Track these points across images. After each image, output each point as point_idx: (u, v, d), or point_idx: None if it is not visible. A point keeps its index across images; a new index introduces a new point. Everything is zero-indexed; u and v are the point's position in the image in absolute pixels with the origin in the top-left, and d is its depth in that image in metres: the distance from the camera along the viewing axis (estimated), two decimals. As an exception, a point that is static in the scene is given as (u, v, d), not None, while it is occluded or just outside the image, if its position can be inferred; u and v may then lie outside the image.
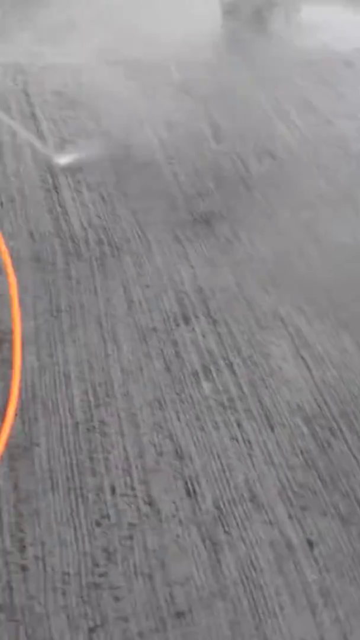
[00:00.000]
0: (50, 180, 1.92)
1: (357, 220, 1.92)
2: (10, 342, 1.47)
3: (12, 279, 1.45)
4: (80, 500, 1.23)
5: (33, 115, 2.15)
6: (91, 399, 1.41)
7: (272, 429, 1.39)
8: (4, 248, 1.51)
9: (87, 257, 1.72)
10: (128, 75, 2.47)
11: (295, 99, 2.43)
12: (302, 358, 1.55)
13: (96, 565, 1.15)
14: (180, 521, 1.22)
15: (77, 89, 2.32)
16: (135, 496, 1.26)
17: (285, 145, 2.19)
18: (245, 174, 2.11)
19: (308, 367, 1.52)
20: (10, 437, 1.30)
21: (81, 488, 1.25)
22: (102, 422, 1.37)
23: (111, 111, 2.24)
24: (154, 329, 1.58)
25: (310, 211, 1.95)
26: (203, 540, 1.19)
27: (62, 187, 1.91)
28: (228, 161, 2.15)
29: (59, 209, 1.84)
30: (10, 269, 1.47)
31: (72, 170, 1.97)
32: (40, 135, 2.07)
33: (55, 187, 1.90)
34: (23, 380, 1.40)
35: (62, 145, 2.06)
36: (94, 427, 1.36)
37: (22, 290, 1.59)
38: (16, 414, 1.34)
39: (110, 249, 1.76)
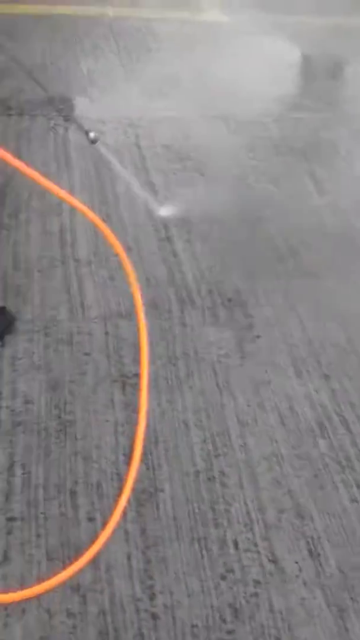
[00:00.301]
0: (163, 231, 2.00)
1: None
2: (133, 386, 1.52)
3: (142, 325, 1.51)
4: (205, 551, 1.24)
5: (145, 168, 2.26)
6: (210, 448, 1.43)
7: (392, 491, 1.38)
8: (137, 294, 1.58)
9: (199, 306, 1.77)
10: (230, 129, 2.57)
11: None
12: None
13: (223, 621, 1.15)
14: (304, 582, 1.21)
15: (184, 143, 2.42)
16: (258, 552, 1.26)
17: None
18: (348, 228, 2.14)
19: None
20: (136, 481, 1.33)
21: (205, 539, 1.26)
22: (222, 472, 1.38)
23: (217, 164, 2.33)
24: (268, 382, 1.60)
25: None
26: (328, 606, 1.18)
27: (175, 237, 1.99)
28: (330, 215, 2.19)
29: (172, 258, 1.91)
30: (141, 315, 1.54)
31: (183, 222, 2.05)
32: (151, 187, 2.17)
33: (168, 238, 1.98)
34: (146, 424, 1.44)
35: (170, 197, 2.15)
36: (214, 477, 1.38)
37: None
38: (141, 459, 1.38)
39: (220, 298, 1.81)
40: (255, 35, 3.37)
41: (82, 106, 2.48)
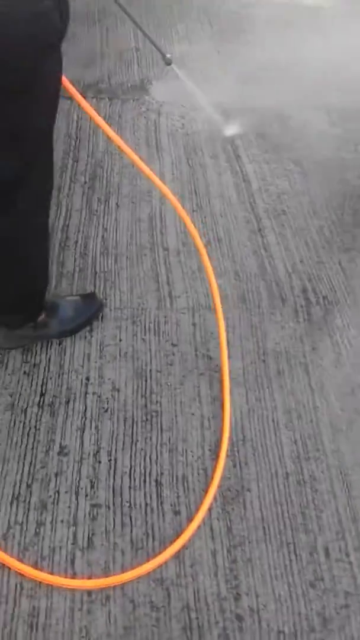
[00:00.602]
0: (255, 222, 1.98)
1: None
2: (220, 380, 1.52)
3: (221, 318, 1.53)
4: (293, 556, 1.22)
5: (238, 157, 2.25)
6: (300, 450, 1.40)
7: None
8: (215, 287, 1.58)
9: (291, 303, 1.74)
10: (330, 121, 2.51)
11: None
12: None
13: (312, 630, 1.13)
14: None
15: (280, 132, 2.39)
16: (350, 563, 1.22)
17: None
18: None
19: None
20: (223, 477, 1.33)
21: (294, 544, 1.24)
22: (312, 477, 1.36)
23: (315, 157, 2.28)
24: (356, 381, 1.56)
25: None
26: None
27: (266, 229, 1.96)
28: None
29: (263, 252, 1.89)
30: (219, 309, 1.55)
31: (276, 213, 2.02)
32: (245, 177, 2.16)
33: (260, 230, 1.96)
34: (233, 420, 1.44)
35: (264, 187, 2.13)
36: (304, 480, 1.35)
37: (230, 329, 1.64)
38: (227, 455, 1.37)
39: (315, 296, 1.77)
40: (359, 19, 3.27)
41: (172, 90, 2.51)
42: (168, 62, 2.30)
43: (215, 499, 1.29)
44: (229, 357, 1.57)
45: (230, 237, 1.92)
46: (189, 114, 2.42)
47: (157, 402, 1.46)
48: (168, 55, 2.28)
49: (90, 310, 1.63)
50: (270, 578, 1.19)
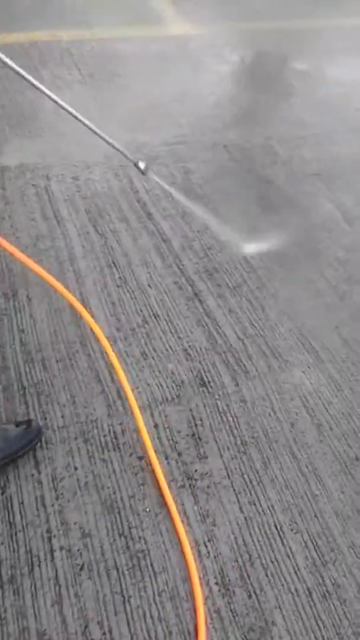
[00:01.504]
0: (188, 287, 1.88)
1: None
2: (204, 490, 1.38)
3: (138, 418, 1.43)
4: None
5: (149, 215, 2.15)
6: (314, 555, 1.30)
7: None
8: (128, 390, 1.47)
9: (254, 374, 1.66)
10: (231, 157, 2.49)
11: None
12: None
13: None
14: None
15: (184, 176, 2.33)
16: None
17: None
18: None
19: None
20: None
21: None
22: (336, 584, 1.26)
23: (229, 199, 2.24)
24: (357, 458, 1.49)
25: None
26: None
27: (203, 292, 1.87)
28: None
29: (207, 320, 1.79)
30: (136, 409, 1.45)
31: (208, 272, 1.94)
32: (163, 237, 2.06)
33: (196, 295, 1.86)
34: (233, 538, 1.31)
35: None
36: (328, 592, 1.25)
37: (197, 422, 1.52)
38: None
39: (276, 361, 1.70)
40: (227, 47, 3.33)
41: (61, 148, 2.37)
42: (143, 172, 1.75)
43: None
44: (205, 457, 1.45)
45: (167, 310, 1.80)
46: (82, 173, 2.29)
47: (139, 537, 1.29)
48: (141, 164, 1.73)
49: (24, 439, 1.42)
50: None
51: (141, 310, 1.80)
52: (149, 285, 1.88)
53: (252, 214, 2.19)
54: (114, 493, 1.36)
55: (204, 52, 3.23)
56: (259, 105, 2.87)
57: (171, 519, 1.31)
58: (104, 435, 1.48)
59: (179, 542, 1.28)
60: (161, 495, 1.36)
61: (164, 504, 1.34)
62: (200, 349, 1.71)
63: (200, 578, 1.24)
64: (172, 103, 2.77)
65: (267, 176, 2.39)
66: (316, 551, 1.30)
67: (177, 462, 1.44)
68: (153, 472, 1.40)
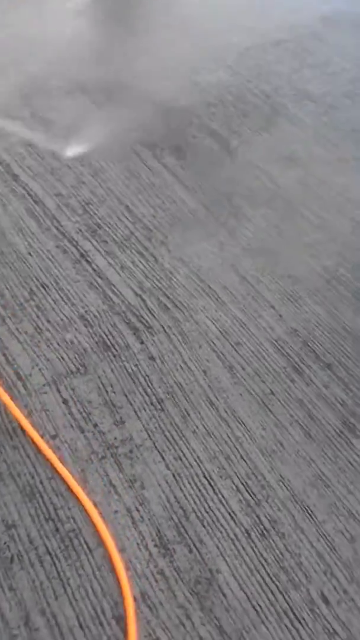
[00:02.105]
0: (73, 250, 1.84)
1: None
2: (128, 455, 1.40)
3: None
4: (297, 624, 1.19)
5: (15, 177, 2.05)
6: (247, 497, 1.36)
7: None
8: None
9: (158, 329, 1.67)
10: (93, 99, 2.42)
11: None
12: None
13: None
14: None
15: (46, 128, 2.24)
16: (352, 600, 1.23)
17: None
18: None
19: None
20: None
21: (291, 609, 1.21)
22: (272, 520, 1.33)
23: (102, 148, 2.18)
24: (272, 393, 1.56)
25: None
26: None
27: (90, 253, 1.84)
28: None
29: (99, 280, 1.77)
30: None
31: (90, 229, 1.90)
32: (35, 198, 1.98)
33: (83, 256, 1.83)
34: (164, 497, 1.34)
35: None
36: (266, 530, 1.32)
37: (106, 390, 1.51)
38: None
39: (178, 310, 1.72)
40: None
41: None
42: None
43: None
44: (122, 422, 1.46)
45: (55, 277, 1.76)
46: None
47: (68, 517, 1.29)
48: None
49: None
50: (288, 661, 1.15)
51: (26, 283, 1.74)
52: (30, 254, 1.82)
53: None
54: (32, 478, 1.34)
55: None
56: (116, 40, 2.80)
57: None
58: (10, 422, 1.44)
59: (89, 517, 1.29)
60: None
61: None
62: (98, 313, 1.69)
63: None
64: (16, 49, 2.63)
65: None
66: (248, 492, 1.37)
67: (94, 434, 1.44)
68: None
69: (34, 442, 1.40)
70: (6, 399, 1.42)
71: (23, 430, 1.42)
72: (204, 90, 2.54)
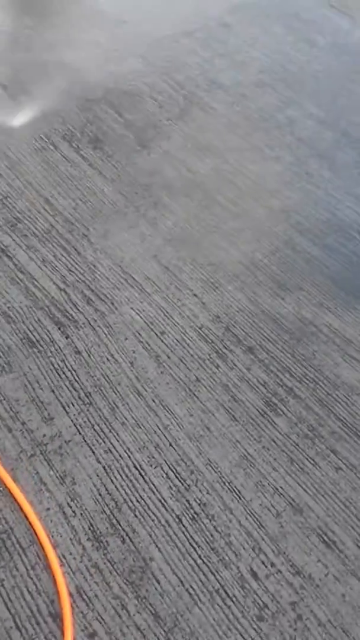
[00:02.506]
0: (-7, 244, 1.76)
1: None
2: (57, 452, 1.36)
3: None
4: (229, 602, 1.20)
5: None
6: (177, 483, 1.36)
7: (365, 443, 1.46)
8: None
9: (83, 322, 1.62)
10: (9, 94, 2.31)
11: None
12: (355, 359, 1.62)
13: (284, 663, 1.15)
14: (335, 578, 1.25)
15: None
16: (279, 572, 1.25)
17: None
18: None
19: (364, 366, 1.60)
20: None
21: (222, 587, 1.22)
22: (202, 504, 1.33)
23: (13, 143, 2.09)
24: (197, 379, 1.55)
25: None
26: (368, 588, 1.24)
27: (10, 247, 1.76)
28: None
29: (20, 275, 1.70)
30: None
31: (9, 223, 1.82)
32: None
33: (3, 250, 1.75)
34: (95, 491, 1.31)
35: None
36: (196, 513, 1.32)
37: (33, 387, 1.46)
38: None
39: (102, 304, 1.67)
40: None
41: None
42: None
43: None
44: (51, 418, 1.42)
45: (-25, 274, 1.69)
46: None
47: (-1, 519, 1.25)
48: None
49: None
50: (221, 637, 1.16)
51: None
52: None
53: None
54: None
55: None
56: (29, 32, 2.68)
57: (10, 494, 1.28)
58: None
59: (23, 514, 1.26)
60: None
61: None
62: (21, 308, 1.63)
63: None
64: None
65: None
66: (178, 478, 1.36)
67: (22, 432, 1.39)
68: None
69: None
70: None
71: None
72: (118, 80, 2.48)
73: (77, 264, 1.77)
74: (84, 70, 2.49)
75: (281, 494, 1.37)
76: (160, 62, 2.61)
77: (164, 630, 1.15)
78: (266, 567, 1.26)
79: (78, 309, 1.65)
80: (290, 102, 2.50)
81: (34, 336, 1.57)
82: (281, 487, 1.38)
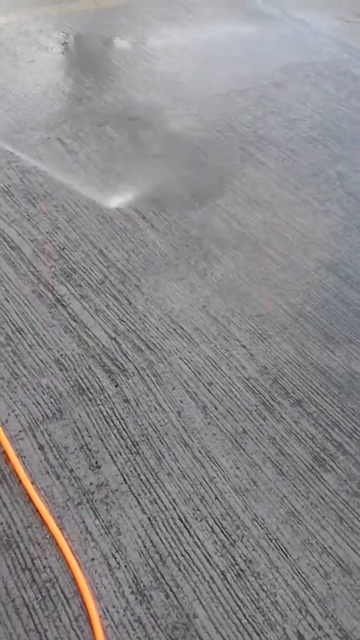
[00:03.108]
0: (48, 294, 1.81)
1: None
2: (103, 501, 1.36)
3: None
4: (275, 665, 1.16)
5: None
6: (222, 537, 1.33)
7: None
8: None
9: (133, 371, 1.64)
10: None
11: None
12: None
13: None
14: (387, 646, 1.19)
15: (15, 175, 2.23)
16: (327, 635, 1.20)
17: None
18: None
19: None
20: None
21: (268, 650, 1.18)
22: (247, 560, 1.30)
23: (75, 199, 2.18)
24: (244, 431, 1.54)
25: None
26: None
27: (65, 297, 1.81)
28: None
29: (74, 324, 1.75)
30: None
31: (65, 273, 1.88)
32: (11, 244, 1.96)
33: (58, 300, 1.80)
34: (140, 543, 1.30)
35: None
36: (241, 570, 1.28)
37: (82, 435, 1.48)
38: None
39: (152, 352, 1.69)
40: (41, 33, 3.22)
41: None
42: None
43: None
44: (98, 466, 1.42)
45: (31, 322, 1.73)
46: None
47: (44, 567, 1.24)
48: None
49: None
50: None
51: (2, 328, 1.71)
52: (7, 300, 1.79)
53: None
54: (9, 527, 1.30)
55: (19, 42, 3.10)
56: (88, 90, 2.82)
57: (56, 543, 1.28)
58: (-12, 469, 1.40)
59: (68, 564, 1.25)
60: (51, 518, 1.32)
61: (59, 527, 1.31)
62: (73, 356, 1.66)
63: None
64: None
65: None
66: (223, 533, 1.34)
67: (69, 480, 1.40)
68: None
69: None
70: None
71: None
72: (171, 136, 2.57)
73: (128, 313, 1.80)
74: (140, 128, 2.59)
75: (329, 553, 1.32)
76: (213, 119, 2.69)
77: None
78: (313, 629, 1.20)
79: (128, 358, 1.67)
80: (340, 158, 2.53)
81: (84, 384, 1.60)
82: (330, 547, 1.33)
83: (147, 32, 3.39)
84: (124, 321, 1.78)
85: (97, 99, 2.77)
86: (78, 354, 1.67)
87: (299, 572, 1.29)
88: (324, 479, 1.45)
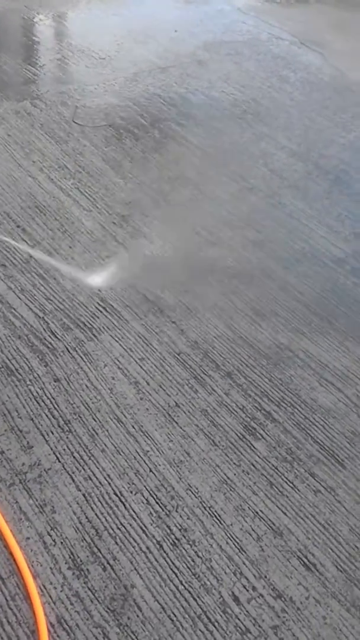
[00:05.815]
0: (-28, 275, 1.77)
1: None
2: (36, 480, 1.35)
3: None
4: (212, 627, 1.19)
5: None
6: (157, 508, 1.35)
7: (342, 465, 1.47)
8: None
9: (62, 350, 1.63)
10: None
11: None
12: (330, 383, 1.64)
13: None
14: (316, 601, 1.25)
15: None
16: (261, 596, 1.25)
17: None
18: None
19: (340, 390, 1.62)
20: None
21: (205, 612, 1.21)
22: (182, 529, 1.32)
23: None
24: (177, 405, 1.56)
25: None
26: (349, 611, 1.24)
27: (-11, 277, 1.77)
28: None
29: (-1, 304, 1.71)
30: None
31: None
32: None
33: (-20, 281, 1.76)
34: (76, 519, 1.30)
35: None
36: (177, 539, 1.31)
37: (12, 416, 1.46)
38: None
39: (82, 331, 1.68)
40: None
41: None
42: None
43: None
44: (30, 447, 1.41)
45: None
46: None
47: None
48: None
49: None
50: (204, 665, 1.15)
51: None
52: None
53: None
54: None
55: None
56: (5, 65, 2.73)
57: None
58: None
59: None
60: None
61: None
62: None
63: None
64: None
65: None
66: (158, 504, 1.36)
67: (0, 461, 1.38)
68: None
69: None
70: None
71: None
72: (93, 113, 2.54)
73: (55, 292, 1.78)
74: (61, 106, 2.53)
75: (261, 517, 1.37)
76: (135, 96, 2.67)
77: (146, 659, 1.14)
78: (247, 591, 1.25)
79: (57, 337, 1.66)
80: (262, 135, 2.57)
81: (12, 365, 1.57)
82: (261, 511, 1.38)
83: (67, 8, 3.31)
84: (51, 300, 1.76)
85: (15, 75, 2.69)
86: (5, 334, 1.64)
87: (232, 537, 1.33)
88: (254, 447, 1.50)
